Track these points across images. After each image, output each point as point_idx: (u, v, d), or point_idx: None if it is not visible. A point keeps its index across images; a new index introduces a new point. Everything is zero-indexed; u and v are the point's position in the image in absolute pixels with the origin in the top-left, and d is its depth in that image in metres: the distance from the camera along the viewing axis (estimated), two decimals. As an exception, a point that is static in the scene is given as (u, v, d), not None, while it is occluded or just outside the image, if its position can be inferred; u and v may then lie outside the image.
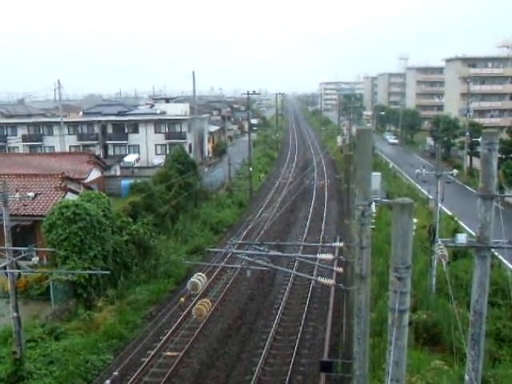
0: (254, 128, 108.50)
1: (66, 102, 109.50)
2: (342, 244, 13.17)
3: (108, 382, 18.52)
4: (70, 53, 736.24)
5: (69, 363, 20.42)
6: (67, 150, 64.30)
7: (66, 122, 67.99)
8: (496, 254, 26.89)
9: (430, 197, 34.95)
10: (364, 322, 9.41)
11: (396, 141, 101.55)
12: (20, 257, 20.05)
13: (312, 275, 25.03)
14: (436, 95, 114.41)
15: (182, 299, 19.57)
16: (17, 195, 22.55)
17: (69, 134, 68.56)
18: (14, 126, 72.69)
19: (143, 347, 22.42)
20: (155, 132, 69.84)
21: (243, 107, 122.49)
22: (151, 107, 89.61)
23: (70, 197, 32.03)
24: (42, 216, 29.74)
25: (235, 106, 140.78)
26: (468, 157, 65.88)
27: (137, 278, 29.59)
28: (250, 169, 54.96)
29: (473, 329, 9.85)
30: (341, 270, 13.63)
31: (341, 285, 13.69)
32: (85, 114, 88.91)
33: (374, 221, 26.29)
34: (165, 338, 23.09)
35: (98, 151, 67.40)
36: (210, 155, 79.33)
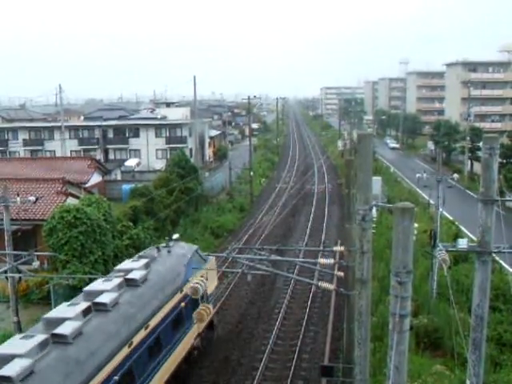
0: (255, 132, 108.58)
1: (67, 106, 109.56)
2: (342, 248, 13.16)
3: None
4: (71, 57, 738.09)
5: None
6: (68, 154, 64.37)
7: (66, 127, 68.03)
8: (497, 258, 26.85)
9: (431, 201, 34.93)
10: (365, 326, 9.40)
11: (397, 145, 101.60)
12: (21, 261, 20.05)
13: (313, 280, 25.01)
14: (437, 100, 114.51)
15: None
16: (18, 199, 22.58)
17: (70, 139, 68.65)
18: (15, 130, 72.76)
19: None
20: (156, 136, 69.89)
21: (244, 112, 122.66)
22: (152, 112, 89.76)
23: (71, 201, 32.05)
24: (42, 220, 29.75)
25: (236, 110, 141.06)
26: (469, 161, 65.87)
27: (137, 283, 29.54)
28: (251, 173, 54.96)
29: (474, 333, 9.84)
30: (342, 274, 13.62)
31: (341, 289, 13.68)
32: (86, 118, 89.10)
33: (374, 225, 26.33)
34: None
35: (99, 156, 67.45)
36: (211, 160, 79.39)
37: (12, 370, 11.72)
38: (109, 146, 70.80)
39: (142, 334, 15.96)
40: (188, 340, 19.99)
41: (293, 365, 21.26)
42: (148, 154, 69.36)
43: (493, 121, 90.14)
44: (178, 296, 19.06)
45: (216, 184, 56.19)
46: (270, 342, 23.23)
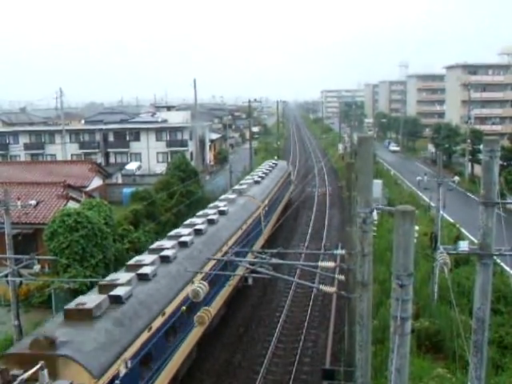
0: (255, 136, 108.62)
1: (68, 110, 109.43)
2: (343, 251, 13.15)
3: None
4: (72, 61, 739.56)
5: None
6: (69, 158, 64.44)
7: (67, 130, 68.12)
8: (498, 261, 26.83)
9: (432, 204, 34.91)
10: (366, 329, 9.38)
11: (397, 148, 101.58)
12: (21, 265, 20.05)
13: (314, 283, 24.97)
14: (437, 102, 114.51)
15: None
16: (18, 203, 22.60)
17: (70, 142, 68.74)
18: (15, 134, 72.81)
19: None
20: (157, 140, 69.97)
21: (244, 115, 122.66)
22: (153, 115, 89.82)
23: (72, 205, 32.07)
24: (43, 224, 29.75)
25: (236, 113, 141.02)
26: (469, 164, 65.87)
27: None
28: (252, 176, 54.88)
29: (475, 336, 9.82)
30: (343, 277, 13.60)
31: (343, 292, 13.66)
32: (86, 122, 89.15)
33: (375, 228, 26.28)
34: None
35: (100, 159, 67.53)
36: (212, 163, 79.41)
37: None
38: (109, 150, 70.88)
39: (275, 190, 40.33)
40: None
41: (294, 368, 21.25)
42: (149, 158, 69.41)
43: (493, 123, 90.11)
44: (285, 175, 48.45)
45: (217, 187, 56.16)
46: (271, 345, 23.22)
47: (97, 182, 48.39)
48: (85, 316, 14.75)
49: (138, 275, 18.11)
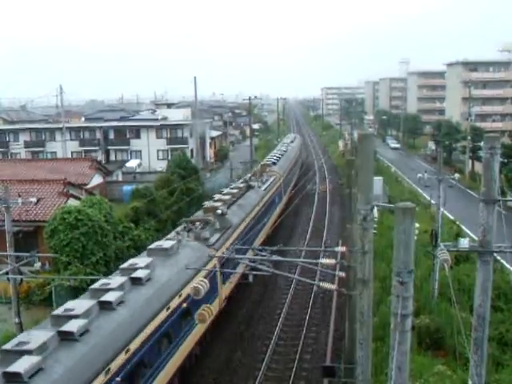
0: (256, 133, 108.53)
1: (68, 107, 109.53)
2: (344, 248, 13.14)
3: None
4: (73, 60, 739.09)
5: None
6: (69, 155, 64.41)
7: (68, 128, 68.06)
8: (498, 258, 26.81)
9: (432, 201, 34.89)
10: (366, 326, 9.39)
11: (398, 145, 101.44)
12: (22, 262, 20.08)
13: (314, 280, 24.99)
14: (437, 99, 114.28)
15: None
16: (19, 200, 22.61)
17: (71, 140, 68.66)
18: (16, 131, 72.77)
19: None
20: (157, 137, 69.84)
21: (245, 112, 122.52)
22: (153, 113, 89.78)
23: (72, 202, 32.10)
24: (44, 221, 29.78)
25: (237, 111, 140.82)
26: (470, 161, 65.80)
27: (139, 284, 29.53)
28: (252, 174, 54.86)
29: (476, 333, 9.84)
30: (343, 274, 13.60)
31: (343, 289, 13.68)
32: (87, 119, 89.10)
33: (375, 225, 26.27)
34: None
35: (100, 157, 67.46)
36: (212, 160, 79.36)
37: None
38: (110, 147, 70.81)
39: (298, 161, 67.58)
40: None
41: (294, 365, 21.27)
42: (149, 155, 69.33)
43: (494, 120, 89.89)
44: (301, 143, 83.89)
45: (217, 184, 56.15)
46: (272, 342, 23.24)
47: (97, 179, 48.41)
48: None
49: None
